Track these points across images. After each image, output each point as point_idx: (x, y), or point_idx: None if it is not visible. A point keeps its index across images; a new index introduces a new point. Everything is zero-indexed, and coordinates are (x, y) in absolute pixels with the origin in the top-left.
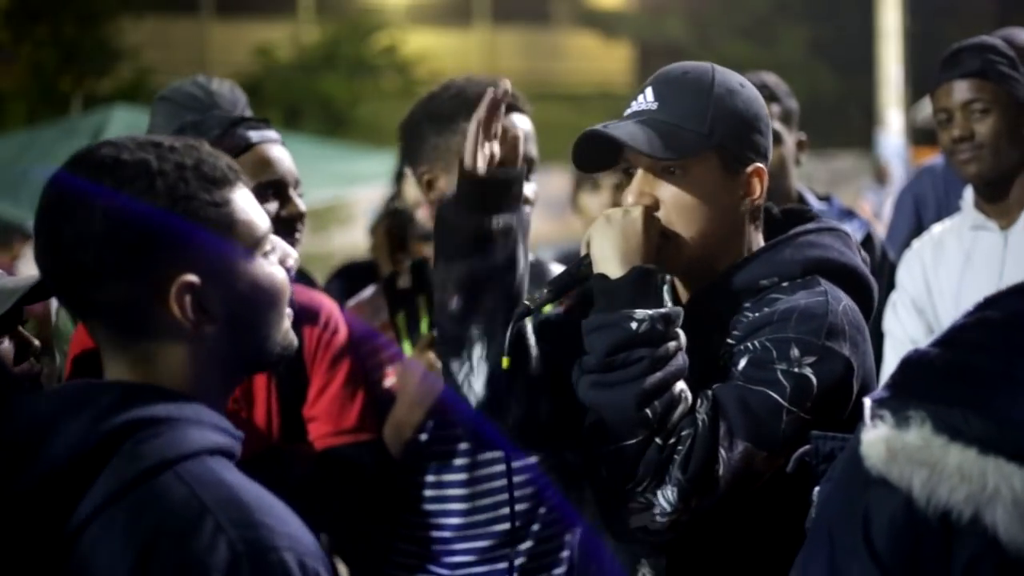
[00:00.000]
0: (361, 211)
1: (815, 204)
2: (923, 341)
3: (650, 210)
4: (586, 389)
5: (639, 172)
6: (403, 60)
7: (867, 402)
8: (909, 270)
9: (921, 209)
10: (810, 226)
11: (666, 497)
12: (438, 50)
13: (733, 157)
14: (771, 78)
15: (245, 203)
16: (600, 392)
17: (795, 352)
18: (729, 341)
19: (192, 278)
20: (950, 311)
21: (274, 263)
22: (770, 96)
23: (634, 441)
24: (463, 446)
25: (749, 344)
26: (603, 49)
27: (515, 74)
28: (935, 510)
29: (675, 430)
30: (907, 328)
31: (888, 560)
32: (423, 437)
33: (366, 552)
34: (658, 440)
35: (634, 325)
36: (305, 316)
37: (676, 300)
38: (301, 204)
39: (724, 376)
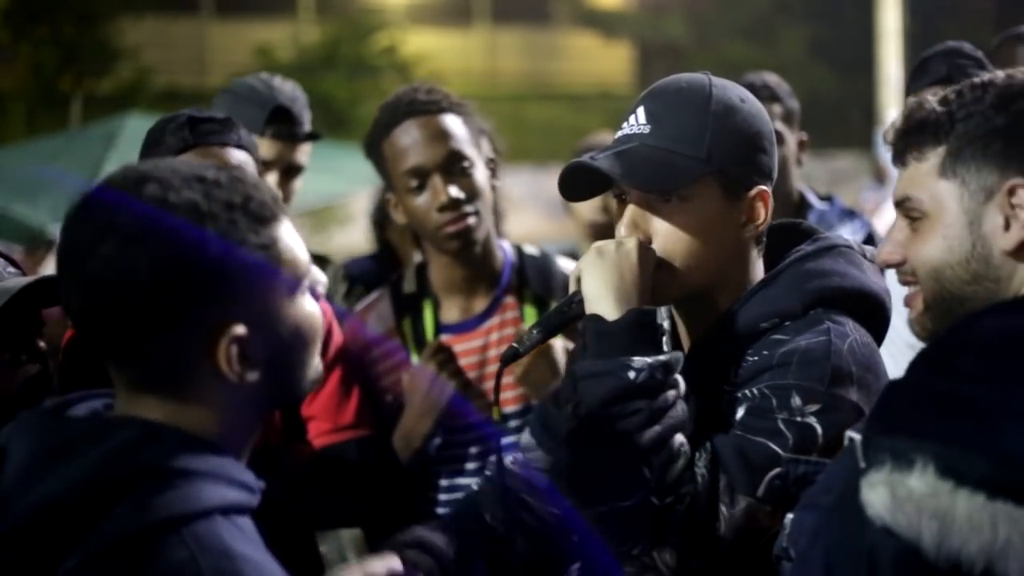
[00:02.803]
0: (360, 211)
1: (817, 204)
2: (921, 344)
3: (645, 243)
4: (578, 443)
5: (632, 202)
6: (403, 60)
7: (854, 436)
8: None
9: None
10: (807, 248)
11: (664, 560)
12: (438, 50)
13: (734, 181)
14: (772, 78)
15: (289, 240)
16: (593, 447)
17: (796, 400)
18: (728, 388)
19: (241, 330)
20: None
21: (312, 300)
22: (771, 96)
23: (630, 503)
24: (473, 451)
25: (748, 391)
26: (603, 49)
27: (515, 74)
28: (947, 561)
29: (674, 488)
30: (901, 331)
31: None
32: (434, 444)
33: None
34: (655, 500)
35: (632, 375)
36: None
37: (677, 344)
38: None
39: (724, 426)
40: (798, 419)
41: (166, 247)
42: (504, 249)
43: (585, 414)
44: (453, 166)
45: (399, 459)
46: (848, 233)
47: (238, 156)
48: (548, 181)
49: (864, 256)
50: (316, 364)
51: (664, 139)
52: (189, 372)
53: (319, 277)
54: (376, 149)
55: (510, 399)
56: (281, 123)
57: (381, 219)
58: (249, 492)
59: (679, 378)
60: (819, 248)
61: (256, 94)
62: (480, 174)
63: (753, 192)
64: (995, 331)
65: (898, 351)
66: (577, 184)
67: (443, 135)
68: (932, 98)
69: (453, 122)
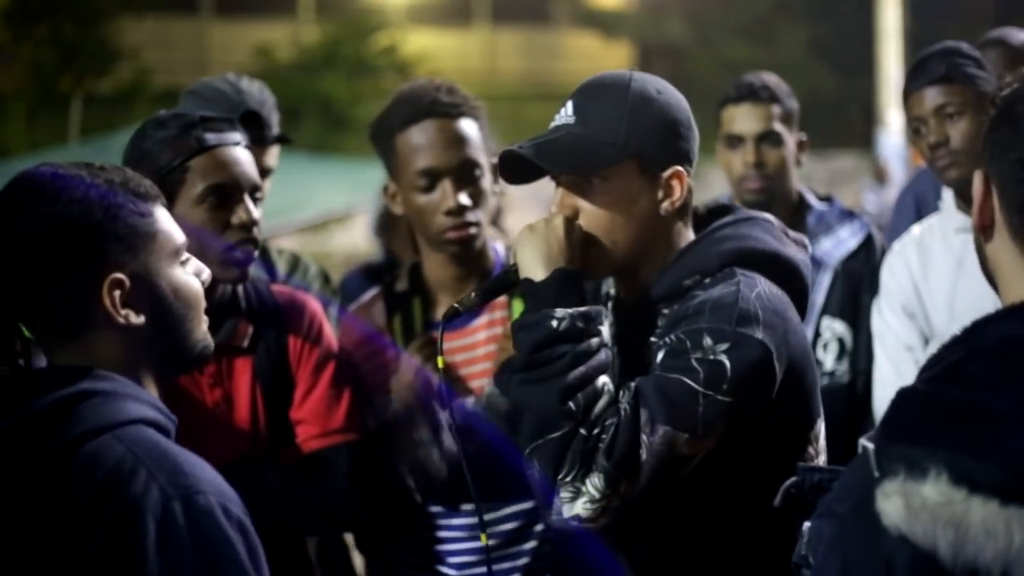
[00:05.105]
0: (360, 211)
1: (816, 205)
2: (919, 347)
3: (571, 218)
4: (514, 388)
5: (561, 184)
6: (403, 60)
7: (867, 445)
8: (893, 273)
9: (922, 209)
10: (727, 218)
11: (594, 484)
12: (438, 50)
13: (650, 162)
14: (771, 78)
15: (166, 217)
16: (526, 389)
17: (708, 341)
18: (652, 340)
19: (120, 276)
20: (944, 319)
21: (190, 273)
22: (770, 97)
23: (560, 433)
24: None
25: (667, 339)
26: (603, 49)
27: (515, 74)
28: (964, 568)
29: (599, 420)
30: (899, 334)
31: None
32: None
33: (378, 548)
34: (583, 431)
35: (554, 323)
36: (289, 317)
37: (619, 311)
38: (254, 211)
39: (648, 372)
40: (710, 357)
41: (55, 205)
42: (496, 250)
43: (519, 362)
44: (465, 173)
45: (389, 459)
46: (848, 234)
47: (246, 156)
48: (547, 181)
49: (786, 235)
50: (204, 332)
51: (587, 128)
52: (85, 316)
53: (202, 267)
54: (387, 139)
55: None
56: (251, 127)
57: (385, 228)
58: (167, 418)
59: (603, 329)
60: (739, 218)
61: (224, 98)
62: (487, 181)
63: (668, 172)
64: (1002, 336)
65: (895, 353)
66: (514, 170)
67: (460, 140)
68: None
69: (470, 127)
